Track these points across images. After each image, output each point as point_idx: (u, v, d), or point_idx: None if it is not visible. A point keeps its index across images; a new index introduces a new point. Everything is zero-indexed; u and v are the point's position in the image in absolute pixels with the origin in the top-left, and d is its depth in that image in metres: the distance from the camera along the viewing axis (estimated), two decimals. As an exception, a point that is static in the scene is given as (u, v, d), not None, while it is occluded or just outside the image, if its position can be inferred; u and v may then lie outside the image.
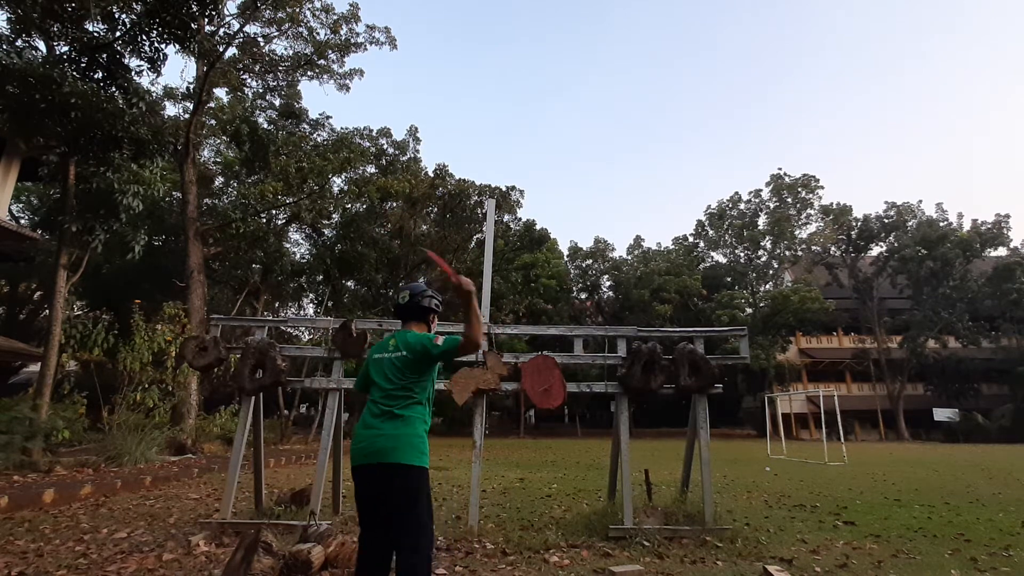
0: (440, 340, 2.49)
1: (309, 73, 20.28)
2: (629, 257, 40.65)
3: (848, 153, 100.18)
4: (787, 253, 38.45)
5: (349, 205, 23.35)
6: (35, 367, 11.94)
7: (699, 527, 4.36)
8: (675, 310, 33.90)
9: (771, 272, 39.50)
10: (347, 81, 20.48)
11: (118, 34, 9.55)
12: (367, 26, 20.22)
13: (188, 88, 18.36)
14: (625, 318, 33.79)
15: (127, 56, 9.76)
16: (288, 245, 24.65)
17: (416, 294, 2.70)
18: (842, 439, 16.36)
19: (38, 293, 21.66)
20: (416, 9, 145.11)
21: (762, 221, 38.77)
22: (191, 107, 16.30)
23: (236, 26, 16.73)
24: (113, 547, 3.94)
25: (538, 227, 33.99)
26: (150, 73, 10.05)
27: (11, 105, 8.36)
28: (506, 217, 30.49)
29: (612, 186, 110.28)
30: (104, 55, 9.48)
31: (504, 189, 28.02)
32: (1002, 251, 36.36)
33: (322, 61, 19.88)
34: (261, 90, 21.45)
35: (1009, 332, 34.43)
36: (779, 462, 13.69)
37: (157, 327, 11.22)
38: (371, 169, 24.17)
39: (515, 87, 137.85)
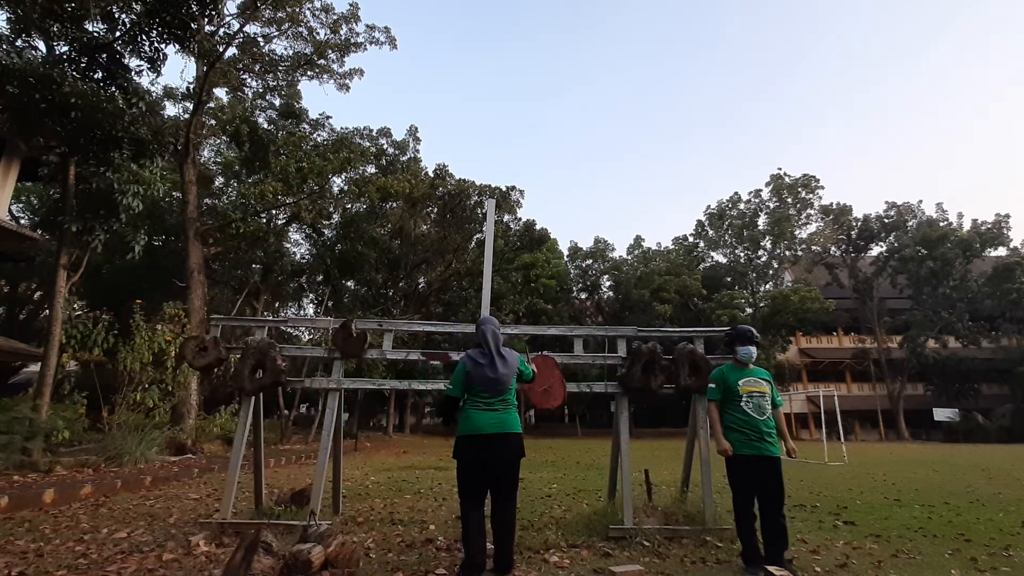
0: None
1: (309, 73, 20.25)
2: (629, 257, 40.60)
3: (848, 153, 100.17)
4: (787, 253, 38.42)
5: (349, 205, 23.32)
6: (35, 367, 11.95)
7: (699, 527, 4.35)
8: (675, 310, 33.85)
9: (771, 272, 39.44)
10: (347, 81, 20.47)
11: (118, 34, 9.55)
12: (367, 26, 20.23)
13: (188, 88, 18.33)
14: (625, 318, 33.75)
15: (127, 56, 9.77)
16: (288, 245, 24.66)
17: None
18: (842, 439, 16.37)
19: (38, 293, 21.62)
20: (416, 8, 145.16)
21: (762, 221, 38.72)
22: (191, 107, 16.27)
23: (236, 26, 16.72)
24: (113, 547, 3.94)
25: (538, 227, 33.90)
26: (150, 73, 10.06)
27: (11, 105, 8.36)
28: (506, 217, 30.49)
29: (612, 186, 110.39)
30: (104, 55, 9.48)
31: (504, 189, 28.03)
32: (1002, 251, 36.38)
33: (322, 61, 19.84)
34: (261, 90, 21.42)
35: (1009, 332, 34.44)
36: (779, 462, 13.66)
37: (157, 327, 11.21)
38: (371, 169, 24.12)
39: (516, 87, 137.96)
